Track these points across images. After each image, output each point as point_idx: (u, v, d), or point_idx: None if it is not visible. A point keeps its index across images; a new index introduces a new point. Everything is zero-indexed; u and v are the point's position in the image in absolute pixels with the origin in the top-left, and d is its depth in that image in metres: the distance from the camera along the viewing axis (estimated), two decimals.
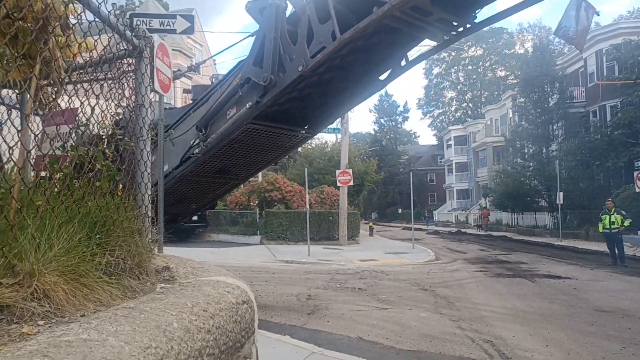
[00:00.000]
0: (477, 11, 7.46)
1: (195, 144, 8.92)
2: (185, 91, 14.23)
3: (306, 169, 22.33)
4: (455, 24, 7.44)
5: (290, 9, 7.92)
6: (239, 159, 9.63)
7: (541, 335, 7.41)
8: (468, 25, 7.47)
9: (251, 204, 27.70)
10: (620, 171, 29.20)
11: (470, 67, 75.55)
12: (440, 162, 69.92)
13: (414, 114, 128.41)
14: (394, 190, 69.40)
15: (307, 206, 21.10)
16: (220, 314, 2.29)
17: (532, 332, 7.65)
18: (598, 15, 7.70)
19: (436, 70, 78.56)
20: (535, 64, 35.97)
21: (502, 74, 72.29)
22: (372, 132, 76.89)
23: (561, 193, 26.45)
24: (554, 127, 35.66)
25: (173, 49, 11.25)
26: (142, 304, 2.10)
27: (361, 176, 33.11)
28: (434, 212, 62.81)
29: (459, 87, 78.24)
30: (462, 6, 7.23)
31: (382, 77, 8.91)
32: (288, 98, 8.24)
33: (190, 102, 10.36)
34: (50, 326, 1.72)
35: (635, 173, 22.86)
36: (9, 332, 1.61)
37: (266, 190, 27.05)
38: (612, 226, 16.61)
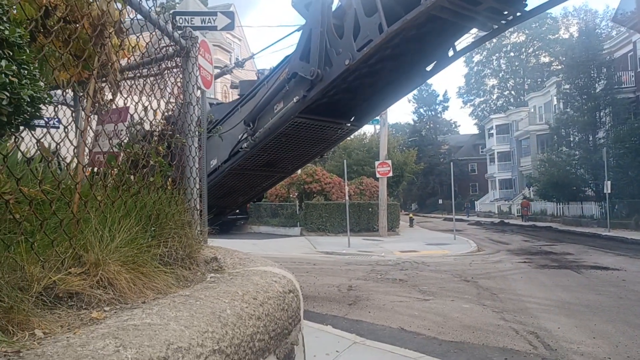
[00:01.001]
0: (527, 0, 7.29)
1: (243, 138, 9.11)
2: (233, 86, 14.46)
3: (345, 161, 22.37)
4: (505, 12, 7.30)
5: (336, 2, 7.97)
6: (286, 153, 9.79)
7: (588, 328, 7.28)
8: (518, 14, 7.31)
9: (291, 196, 27.98)
10: None
11: (512, 53, 73.64)
12: (482, 151, 68.63)
13: (454, 103, 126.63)
14: (434, 181, 68.62)
15: (347, 197, 21.17)
16: (268, 302, 2.40)
17: (578, 324, 7.51)
18: None
19: (477, 58, 76.91)
20: (581, 49, 34.78)
21: (546, 60, 70.17)
22: (411, 122, 76.15)
23: (609, 182, 25.61)
24: (601, 114, 34.42)
25: (213, 44, 11.46)
26: (196, 292, 2.23)
27: (400, 167, 32.93)
28: (475, 202, 61.81)
29: (500, 75, 76.42)
30: None
31: (428, 68, 8.85)
32: (337, 90, 8.32)
33: (237, 97, 10.57)
34: (115, 312, 1.86)
35: None
36: (80, 317, 1.76)
37: (305, 182, 27.25)
38: None
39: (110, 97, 2.79)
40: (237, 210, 25.10)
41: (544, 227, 32.58)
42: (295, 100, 8.17)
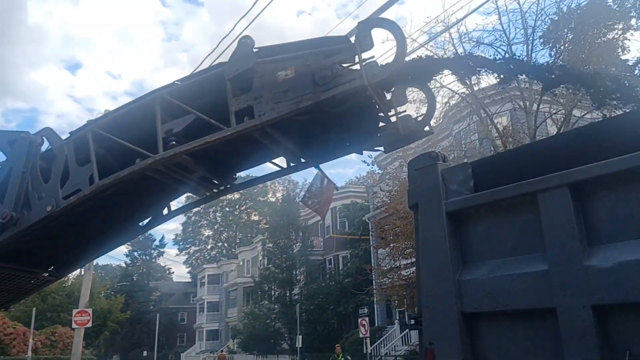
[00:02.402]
0: (236, 174, 8.29)
1: None
2: None
3: (34, 309, 19.81)
4: (216, 182, 8.08)
5: (47, 144, 7.66)
6: None
7: None
8: (228, 186, 8.18)
9: None
10: (349, 316, 32.80)
11: (227, 208, 79.21)
12: (193, 300, 68.57)
13: (171, 249, 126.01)
14: (141, 330, 64.55)
15: (30, 352, 18.42)
16: None
17: None
18: (337, 189, 9.34)
19: (195, 209, 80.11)
20: (283, 213, 39.88)
21: (256, 218, 77.34)
22: (124, 265, 72.37)
23: (300, 336, 28.26)
24: (297, 272, 38.95)
25: None
26: None
27: (104, 315, 30.56)
28: (181, 354, 59.83)
29: (216, 227, 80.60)
30: (223, 168, 8.00)
31: (142, 223, 8.96)
32: (35, 236, 7.68)
33: None
34: None
35: (359, 319, 26.01)
36: None
37: None
38: None
39: None
40: None
41: None
42: None
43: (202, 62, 19.38)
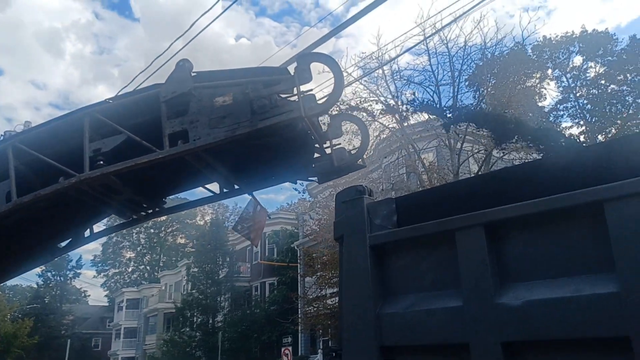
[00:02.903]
0: (166, 198, 8.00)
1: None
2: None
3: None
4: (145, 205, 7.77)
5: None
6: None
7: None
8: (157, 209, 7.89)
9: None
10: (273, 345, 32.30)
11: (152, 230, 76.43)
12: (109, 325, 65.09)
13: (88, 271, 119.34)
14: (50, 356, 59.99)
15: None
16: None
17: None
18: (270, 218, 9.25)
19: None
20: (211, 237, 39.06)
21: (182, 241, 75.19)
22: (35, 286, 67.59)
23: None
24: (222, 298, 38.05)
25: None
26: None
27: (8, 340, 28.37)
28: None
29: (139, 249, 77.42)
30: (153, 191, 7.71)
31: (62, 244, 8.45)
32: None
33: None
34: None
35: (283, 348, 25.71)
36: None
37: None
38: None
39: None
40: None
41: None
42: None
43: (134, 78, 18.91)
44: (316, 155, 5.00)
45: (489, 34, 19.36)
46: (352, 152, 4.89)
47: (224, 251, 38.81)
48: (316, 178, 5.36)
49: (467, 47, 19.40)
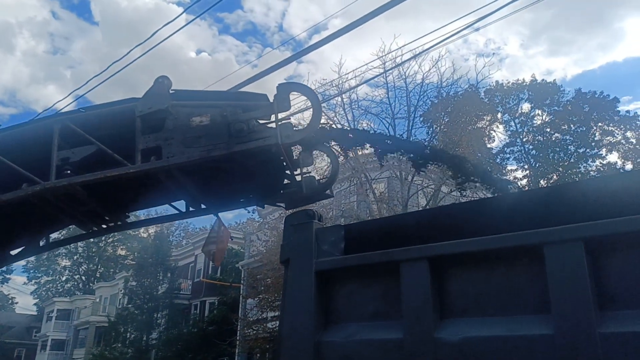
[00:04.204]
0: (129, 213, 7.75)
1: None
2: None
3: None
4: (107, 218, 7.49)
5: None
6: None
7: None
8: (119, 223, 7.62)
9: None
10: None
11: (91, 240, 73.64)
12: (36, 336, 61.72)
13: (18, 277, 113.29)
14: None
15: None
16: None
17: None
18: (232, 240, 9.06)
19: (55, 235, 73.47)
20: (153, 251, 37.94)
21: (123, 253, 72.62)
22: None
23: None
24: (159, 315, 36.84)
25: None
26: None
27: None
28: None
29: (75, 257, 74.13)
30: (117, 205, 7.41)
31: (14, 252, 7.97)
32: None
33: None
34: None
35: None
36: None
37: None
38: None
39: None
40: None
41: None
42: None
43: (87, 81, 18.40)
44: (286, 181, 5.02)
45: (445, 74, 20.02)
46: (322, 181, 4.94)
47: (165, 266, 37.71)
48: (284, 204, 5.36)
49: (424, 84, 20.04)
